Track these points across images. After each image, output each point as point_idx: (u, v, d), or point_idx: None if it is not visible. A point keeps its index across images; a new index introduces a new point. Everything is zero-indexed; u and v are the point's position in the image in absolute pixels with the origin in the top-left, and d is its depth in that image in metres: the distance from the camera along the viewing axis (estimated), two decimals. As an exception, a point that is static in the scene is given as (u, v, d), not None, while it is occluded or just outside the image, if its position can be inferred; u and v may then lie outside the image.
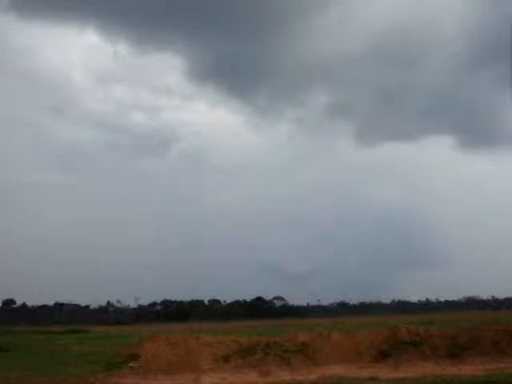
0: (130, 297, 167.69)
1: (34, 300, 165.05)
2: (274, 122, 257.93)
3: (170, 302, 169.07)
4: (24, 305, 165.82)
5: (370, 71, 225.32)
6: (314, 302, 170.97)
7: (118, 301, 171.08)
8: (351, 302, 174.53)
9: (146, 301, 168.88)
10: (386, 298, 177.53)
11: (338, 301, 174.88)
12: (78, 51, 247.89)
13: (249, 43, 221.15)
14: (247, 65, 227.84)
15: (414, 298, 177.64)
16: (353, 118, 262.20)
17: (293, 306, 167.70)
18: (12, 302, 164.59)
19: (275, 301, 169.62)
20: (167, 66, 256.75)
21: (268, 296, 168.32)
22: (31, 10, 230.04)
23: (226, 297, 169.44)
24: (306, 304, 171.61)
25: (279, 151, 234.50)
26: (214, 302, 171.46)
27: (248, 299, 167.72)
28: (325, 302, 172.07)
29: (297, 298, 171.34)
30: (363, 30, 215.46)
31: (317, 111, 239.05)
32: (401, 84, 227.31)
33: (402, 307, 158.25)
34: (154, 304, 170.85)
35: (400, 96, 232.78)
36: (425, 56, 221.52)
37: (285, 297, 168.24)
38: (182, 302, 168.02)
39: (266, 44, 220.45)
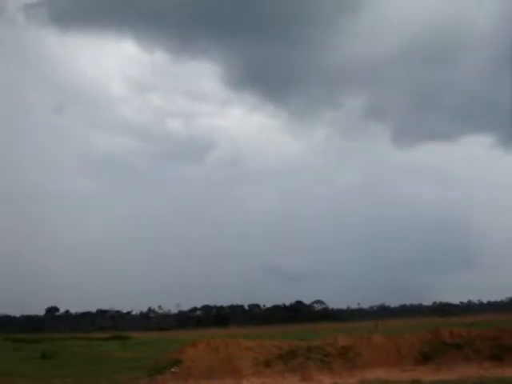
0: (171, 302, 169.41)
1: (76, 307, 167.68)
2: (310, 125, 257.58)
3: (210, 307, 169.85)
4: (67, 312, 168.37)
5: (405, 72, 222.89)
6: (354, 306, 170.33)
7: (159, 307, 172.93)
8: (392, 305, 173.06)
9: (186, 306, 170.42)
10: (427, 300, 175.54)
11: (379, 304, 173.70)
12: (115, 61, 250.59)
13: (284, 47, 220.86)
14: (283, 69, 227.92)
15: (455, 300, 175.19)
16: (389, 120, 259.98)
17: (333, 309, 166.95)
18: (55, 309, 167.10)
19: (315, 304, 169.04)
20: (203, 73, 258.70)
21: (307, 300, 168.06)
22: (69, 23, 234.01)
23: (266, 301, 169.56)
24: (346, 307, 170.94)
25: (316, 155, 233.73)
26: (254, 307, 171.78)
27: (287, 303, 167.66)
28: (365, 305, 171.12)
29: (337, 301, 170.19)
30: (397, 31, 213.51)
31: (353, 113, 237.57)
32: (436, 84, 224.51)
33: (443, 309, 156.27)
34: (195, 309, 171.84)
35: (436, 96, 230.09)
36: (460, 55, 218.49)
37: (324, 300, 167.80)
38: (221, 307, 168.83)
39: (301, 48, 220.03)
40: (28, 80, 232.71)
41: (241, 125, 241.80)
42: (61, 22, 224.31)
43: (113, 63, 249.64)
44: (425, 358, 31.15)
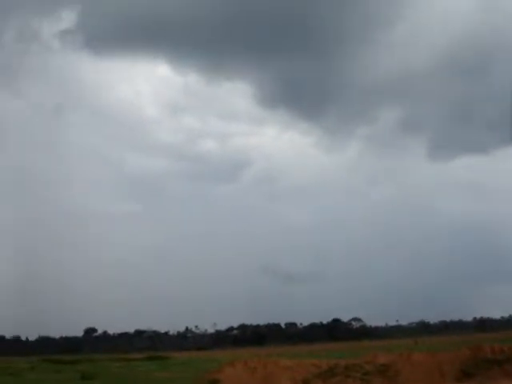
0: (208, 322, 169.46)
1: (114, 328, 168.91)
2: (344, 141, 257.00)
3: (247, 326, 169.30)
4: (105, 333, 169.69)
5: (440, 84, 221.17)
6: (392, 323, 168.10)
7: (196, 326, 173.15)
8: (431, 321, 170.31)
9: (223, 325, 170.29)
10: (467, 316, 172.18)
11: (418, 320, 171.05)
12: (149, 84, 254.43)
13: (316, 65, 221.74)
14: (315, 86, 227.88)
15: (496, 315, 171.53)
16: (424, 133, 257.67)
17: (371, 326, 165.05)
18: (93, 330, 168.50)
19: (353, 322, 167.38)
20: (236, 93, 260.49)
21: (345, 317, 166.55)
22: (104, 47, 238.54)
23: (303, 319, 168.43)
24: (384, 324, 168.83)
25: (350, 170, 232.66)
26: (291, 325, 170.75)
27: (325, 321, 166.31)
28: (404, 322, 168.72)
29: (375, 318, 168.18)
30: (432, 43, 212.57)
31: (387, 128, 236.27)
32: (472, 96, 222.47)
33: (483, 324, 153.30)
34: (231, 328, 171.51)
35: (472, 108, 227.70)
36: (496, 66, 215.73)
37: (362, 318, 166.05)
38: (258, 326, 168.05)
39: (333, 64, 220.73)
40: (64, 104, 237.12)
41: (275, 143, 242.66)
42: (95, 47, 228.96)
43: (147, 86, 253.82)
44: (466, 375, 30.62)
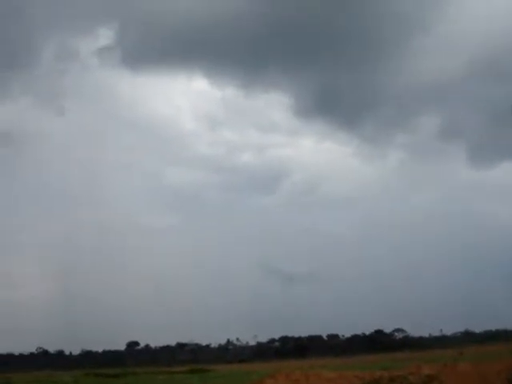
0: (249, 334, 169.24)
1: (156, 341, 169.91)
2: (383, 149, 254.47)
3: (288, 338, 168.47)
4: (147, 346, 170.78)
5: (478, 89, 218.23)
6: (436, 333, 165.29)
7: (237, 339, 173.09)
8: (476, 331, 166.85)
9: (264, 338, 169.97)
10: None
11: (462, 330, 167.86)
12: (186, 98, 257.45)
13: (352, 74, 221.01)
14: (352, 95, 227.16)
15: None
16: (464, 139, 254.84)
17: (414, 337, 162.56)
18: (136, 343, 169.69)
19: (395, 333, 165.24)
20: (273, 105, 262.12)
21: (387, 328, 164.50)
22: (141, 64, 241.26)
23: (345, 331, 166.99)
24: (427, 335, 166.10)
25: (390, 179, 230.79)
26: (333, 337, 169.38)
27: (367, 332, 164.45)
28: (448, 332, 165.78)
29: (418, 328, 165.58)
30: (469, 47, 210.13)
31: (427, 135, 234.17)
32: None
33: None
34: (273, 341, 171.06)
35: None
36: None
37: (405, 328, 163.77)
38: (299, 338, 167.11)
39: (369, 72, 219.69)
40: (103, 120, 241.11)
41: (312, 153, 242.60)
42: (133, 63, 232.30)
43: (184, 100, 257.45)
44: (514, 386, 29.88)
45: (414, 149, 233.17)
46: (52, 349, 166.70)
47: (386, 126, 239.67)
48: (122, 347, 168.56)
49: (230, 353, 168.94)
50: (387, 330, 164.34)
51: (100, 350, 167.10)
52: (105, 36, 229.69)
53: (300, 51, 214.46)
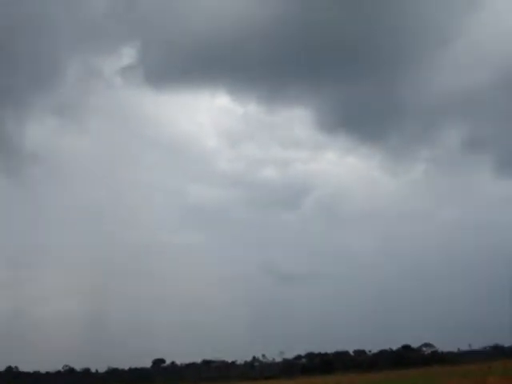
0: (275, 351, 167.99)
1: (182, 358, 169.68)
2: (407, 163, 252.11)
3: (315, 354, 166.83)
4: (173, 363, 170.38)
5: (503, 99, 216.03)
6: (465, 347, 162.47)
7: (263, 355, 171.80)
8: (506, 344, 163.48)
9: (290, 354, 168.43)
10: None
11: (492, 344, 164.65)
12: (209, 115, 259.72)
13: (375, 88, 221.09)
14: (375, 109, 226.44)
15: None
16: (490, 151, 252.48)
17: (442, 352, 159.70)
18: (162, 361, 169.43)
19: (423, 348, 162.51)
20: (296, 120, 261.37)
21: (415, 343, 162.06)
22: (164, 82, 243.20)
23: (372, 346, 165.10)
24: (456, 350, 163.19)
25: (415, 192, 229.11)
26: (360, 353, 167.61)
27: (394, 348, 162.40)
28: (477, 346, 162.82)
29: (446, 343, 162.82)
30: (492, 59, 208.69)
31: (452, 147, 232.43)
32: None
33: None
34: (299, 357, 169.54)
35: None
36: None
37: (433, 343, 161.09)
38: (326, 354, 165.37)
39: (392, 86, 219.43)
40: (127, 138, 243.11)
41: (336, 168, 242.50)
42: (155, 81, 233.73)
43: (207, 117, 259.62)
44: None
45: (439, 162, 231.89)
46: (78, 367, 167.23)
47: (410, 139, 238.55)
48: (148, 364, 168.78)
49: (256, 370, 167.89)
50: (415, 345, 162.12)
51: (126, 367, 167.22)
52: (128, 55, 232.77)
53: (322, 66, 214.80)
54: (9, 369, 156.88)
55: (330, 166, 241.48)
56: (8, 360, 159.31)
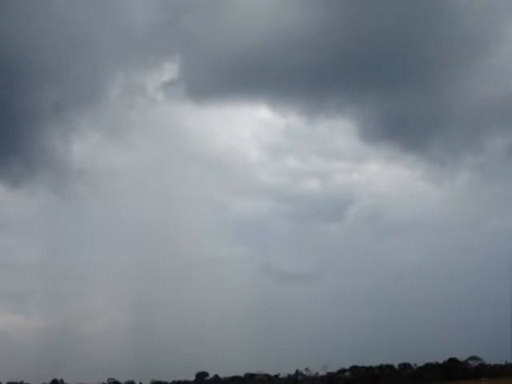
0: (319, 364, 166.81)
1: (225, 371, 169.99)
2: (452, 171, 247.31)
3: (359, 367, 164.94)
4: (216, 376, 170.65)
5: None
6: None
7: (307, 369, 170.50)
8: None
9: (334, 368, 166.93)
10: None
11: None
12: (250, 128, 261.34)
13: (417, 96, 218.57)
14: (418, 118, 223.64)
15: None
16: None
17: (490, 365, 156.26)
18: (205, 374, 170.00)
19: (470, 361, 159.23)
20: (338, 131, 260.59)
21: (462, 356, 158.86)
22: (205, 96, 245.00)
23: (417, 359, 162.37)
24: (504, 362, 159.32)
25: (460, 201, 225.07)
26: (405, 366, 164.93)
27: (440, 361, 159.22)
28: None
29: (494, 356, 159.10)
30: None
31: (497, 154, 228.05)
32: None
33: None
34: (343, 370, 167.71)
35: None
36: None
37: (480, 356, 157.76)
38: (371, 368, 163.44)
39: (435, 94, 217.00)
40: (170, 153, 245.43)
41: (379, 178, 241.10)
42: (197, 96, 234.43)
43: (248, 130, 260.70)
44: None
45: (484, 169, 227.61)
46: (123, 380, 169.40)
47: (455, 147, 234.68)
48: (192, 378, 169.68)
49: (299, 383, 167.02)
50: (461, 358, 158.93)
51: (170, 380, 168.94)
52: (169, 70, 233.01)
53: (364, 75, 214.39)
54: (54, 382, 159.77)
55: (374, 176, 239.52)
56: (54, 373, 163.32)
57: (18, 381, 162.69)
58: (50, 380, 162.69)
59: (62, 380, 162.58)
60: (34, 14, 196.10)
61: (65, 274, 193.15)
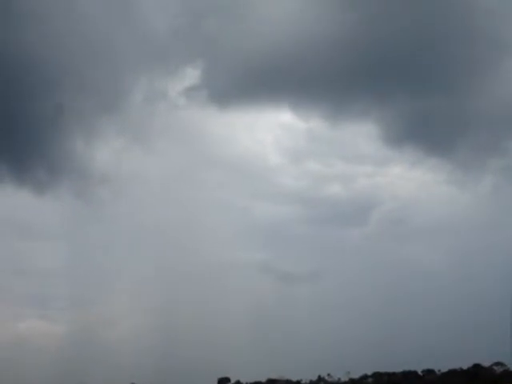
0: (341, 370, 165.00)
1: (247, 377, 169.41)
2: (477, 175, 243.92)
3: (381, 373, 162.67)
4: (238, 382, 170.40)
5: None
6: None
7: (329, 374, 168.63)
8: None
9: (356, 373, 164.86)
10: None
11: None
12: (272, 132, 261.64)
13: (441, 98, 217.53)
14: (442, 120, 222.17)
15: None
16: None
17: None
18: (227, 379, 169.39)
19: (494, 367, 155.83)
20: (361, 134, 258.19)
21: (486, 362, 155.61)
22: (227, 101, 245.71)
23: (441, 365, 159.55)
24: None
25: (485, 205, 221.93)
26: (428, 372, 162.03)
27: (464, 367, 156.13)
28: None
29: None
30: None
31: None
32: None
33: None
34: (366, 376, 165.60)
35: None
36: None
37: (506, 362, 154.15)
38: (393, 374, 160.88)
39: (459, 96, 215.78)
40: (191, 158, 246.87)
41: (402, 182, 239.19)
42: (219, 100, 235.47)
43: (270, 134, 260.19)
44: None
45: (510, 173, 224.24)
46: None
47: (480, 150, 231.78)
48: (214, 383, 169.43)
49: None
50: (486, 364, 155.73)
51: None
52: (191, 75, 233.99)
53: (387, 79, 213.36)
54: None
55: (397, 179, 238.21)
56: (77, 378, 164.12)
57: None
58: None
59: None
60: (55, 20, 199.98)
61: (88, 278, 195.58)
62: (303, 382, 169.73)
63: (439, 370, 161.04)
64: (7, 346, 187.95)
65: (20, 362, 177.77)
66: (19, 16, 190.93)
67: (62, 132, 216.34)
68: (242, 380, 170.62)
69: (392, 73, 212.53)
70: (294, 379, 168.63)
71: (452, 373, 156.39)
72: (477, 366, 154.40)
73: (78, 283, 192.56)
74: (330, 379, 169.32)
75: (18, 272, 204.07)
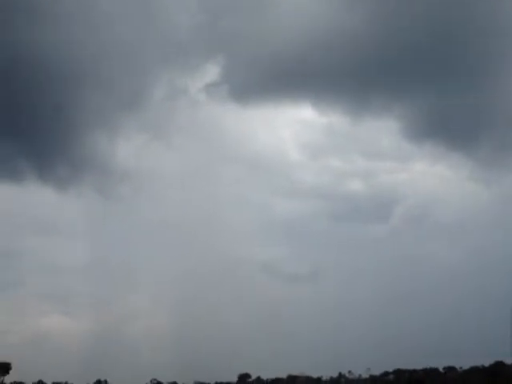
0: (361, 367, 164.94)
1: (267, 373, 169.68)
2: (499, 172, 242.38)
3: (402, 370, 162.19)
4: (259, 378, 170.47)
5: None
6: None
7: (350, 371, 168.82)
8: None
9: (377, 370, 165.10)
10: None
11: None
12: (293, 128, 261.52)
13: (463, 94, 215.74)
14: (464, 116, 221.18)
15: None
16: None
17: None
18: (247, 376, 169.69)
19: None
20: (382, 130, 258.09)
21: (508, 359, 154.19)
22: (247, 97, 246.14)
23: (462, 363, 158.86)
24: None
25: (508, 202, 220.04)
26: (450, 370, 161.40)
27: (486, 364, 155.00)
28: None
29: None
30: None
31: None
32: None
33: None
34: (386, 373, 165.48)
35: None
36: None
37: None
38: (415, 371, 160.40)
39: (482, 92, 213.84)
40: (212, 154, 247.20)
41: (424, 178, 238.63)
42: (239, 97, 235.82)
43: (291, 130, 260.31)
44: None
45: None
46: (165, 380, 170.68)
47: (502, 146, 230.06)
48: (234, 379, 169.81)
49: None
50: (508, 361, 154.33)
51: (212, 381, 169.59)
52: (212, 72, 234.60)
53: (409, 75, 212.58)
54: (98, 382, 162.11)
55: (418, 176, 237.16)
56: (98, 373, 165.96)
57: (63, 381, 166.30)
58: (93, 380, 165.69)
59: (105, 381, 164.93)
60: (77, 19, 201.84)
61: (109, 274, 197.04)
62: (324, 378, 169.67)
63: (461, 368, 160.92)
64: (31, 340, 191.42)
65: (43, 356, 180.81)
66: (43, 16, 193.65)
67: (84, 129, 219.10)
68: (262, 376, 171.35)
69: (414, 68, 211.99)
70: (315, 376, 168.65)
71: (473, 370, 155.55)
72: (498, 364, 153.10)
73: (100, 280, 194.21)
74: (350, 376, 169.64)
75: (41, 269, 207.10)
